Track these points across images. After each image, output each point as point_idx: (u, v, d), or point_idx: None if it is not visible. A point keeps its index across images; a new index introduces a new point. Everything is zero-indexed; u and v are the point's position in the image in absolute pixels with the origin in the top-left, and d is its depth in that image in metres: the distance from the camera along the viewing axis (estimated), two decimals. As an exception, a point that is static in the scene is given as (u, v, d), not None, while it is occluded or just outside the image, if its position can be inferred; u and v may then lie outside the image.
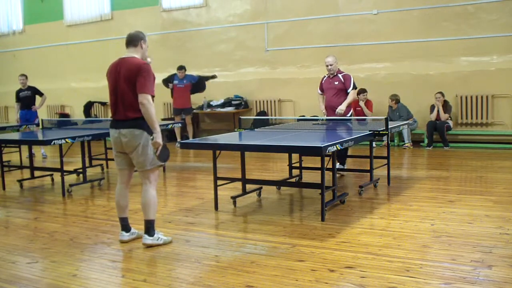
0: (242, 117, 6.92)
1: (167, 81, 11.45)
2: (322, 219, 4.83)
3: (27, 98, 10.08)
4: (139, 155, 4.19)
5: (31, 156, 8.38)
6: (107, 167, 8.50)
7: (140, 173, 4.28)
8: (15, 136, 7.87)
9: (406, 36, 10.24)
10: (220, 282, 3.45)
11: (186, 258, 3.96)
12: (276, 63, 11.65)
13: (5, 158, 7.64)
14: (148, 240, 4.23)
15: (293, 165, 6.73)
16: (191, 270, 3.72)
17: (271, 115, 11.46)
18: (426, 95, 9.90)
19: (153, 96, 4.12)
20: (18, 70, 15.14)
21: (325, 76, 7.14)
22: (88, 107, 13.61)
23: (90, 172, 7.90)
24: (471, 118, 9.83)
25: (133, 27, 12.57)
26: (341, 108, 6.79)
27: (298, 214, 5.34)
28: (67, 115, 14.33)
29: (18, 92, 10.15)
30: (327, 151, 4.61)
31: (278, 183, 6.16)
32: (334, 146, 4.72)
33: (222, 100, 11.89)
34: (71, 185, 6.71)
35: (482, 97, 9.67)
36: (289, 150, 5.68)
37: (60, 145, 6.42)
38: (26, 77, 10.21)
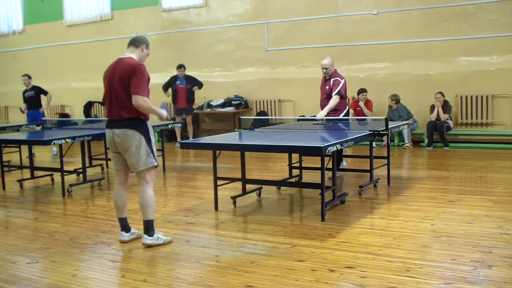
0: (242, 117, 6.91)
1: (167, 87, 11.29)
2: (322, 219, 4.83)
3: (31, 98, 10.09)
4: (132, 156, 4.18)
5: (31, 156, 8.38)
6: (107, 167, 8.49)
7: (136, 174, 4.28)
8: (15, 136, 7.87)
9: (406, 36, 10.24)
10: (220, 282, 3.45)
11: (186, 258, 3.96)
12: (276, 63, 11.65)
13: (5, 158, 7.64)
14: (148, 240, 4.23)
15: (293, 165, 6.73)
16: (191, 270, 3.72)
17: (271, 115, 11.46)
18: (426, 95, 9.91)
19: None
20: (18, 70, 15.17)
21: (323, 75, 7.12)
22: (88, 107, 13.61)
23: (90, 172, 7.90)
24: (471, 118, 9.83)
25: (133, 27, 12.78)
26: (322, 113, 6.71)
27: (298, 214, 5.34)
28: (67, 115, 14.33)
29: (23, 92, 10.18)
30: (327, 151, 4.61)
31: (278, 183, 6.16)
32: (334, 146, 4.72)
33: (222, 100, 11.89)
34: (71, 185, 6.71)
35: (482, 97, 9.68)
36: (289, 150, 5.68)
37: (60, 145, 6.42)
38: (29, 77, 10.18)
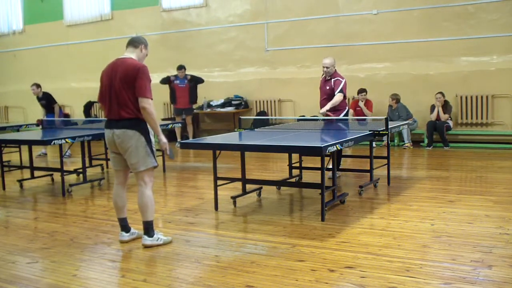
0: (242, 117, 6.91)
1: (165, 80, 11.40)
2: (322, 219, 4.83)
3: (45, 106, 9.84)
4: (132, 157, 4.17)
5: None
6: (107, 167, 8.49)
7: (135, 175, 4.27)
8: (15, 136, 7.87)
9: (406, 36, 10.24)
10: (220, 282, 3.45)
11: (186, 258, 3.96)
12: (276, 63, 11.65)
13: (5, 158, 7.64)
14: (148, 240, 4.23)
15: (293, 165, 6.73)
16: (191, 270, 3.72)
17: (271, 115, 11.46)
18: (426, 95, 9.90)
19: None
20: (18, 70, 15.20)
21: (323, 75, 7.12)
22: (88, 107, 13.61)
23: (90, 172, 7.90)
24: (471, 118, 9.83)
25: (133, 27, 12.79)
26: (324, 109, 6.70)
27: (298, 214, 5.34)
28: (67, 115, 14.30)
29: (38, 100, 9.93)
30: (327, 151, 4.61)
31: (278, 183, 6.16)
32: (334, 146, 4.72)
33: (222, 100, 11.89)
34: (71, 185, 6.71)
35: (482, 97, 9.67)
36: (289, 150, 5.68)
37: (60, 145, 6.42)
38: (37, 86, 9.70)
